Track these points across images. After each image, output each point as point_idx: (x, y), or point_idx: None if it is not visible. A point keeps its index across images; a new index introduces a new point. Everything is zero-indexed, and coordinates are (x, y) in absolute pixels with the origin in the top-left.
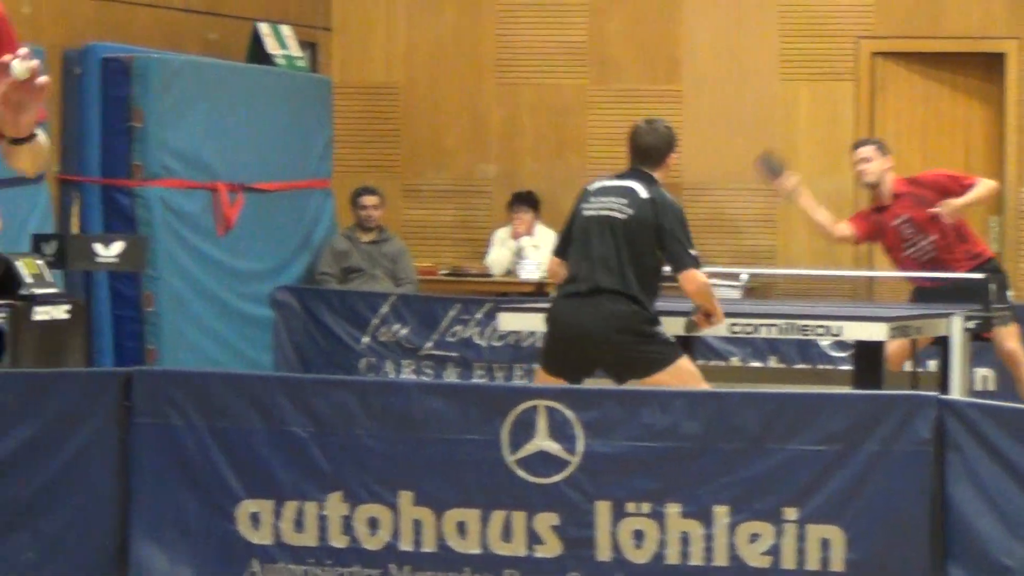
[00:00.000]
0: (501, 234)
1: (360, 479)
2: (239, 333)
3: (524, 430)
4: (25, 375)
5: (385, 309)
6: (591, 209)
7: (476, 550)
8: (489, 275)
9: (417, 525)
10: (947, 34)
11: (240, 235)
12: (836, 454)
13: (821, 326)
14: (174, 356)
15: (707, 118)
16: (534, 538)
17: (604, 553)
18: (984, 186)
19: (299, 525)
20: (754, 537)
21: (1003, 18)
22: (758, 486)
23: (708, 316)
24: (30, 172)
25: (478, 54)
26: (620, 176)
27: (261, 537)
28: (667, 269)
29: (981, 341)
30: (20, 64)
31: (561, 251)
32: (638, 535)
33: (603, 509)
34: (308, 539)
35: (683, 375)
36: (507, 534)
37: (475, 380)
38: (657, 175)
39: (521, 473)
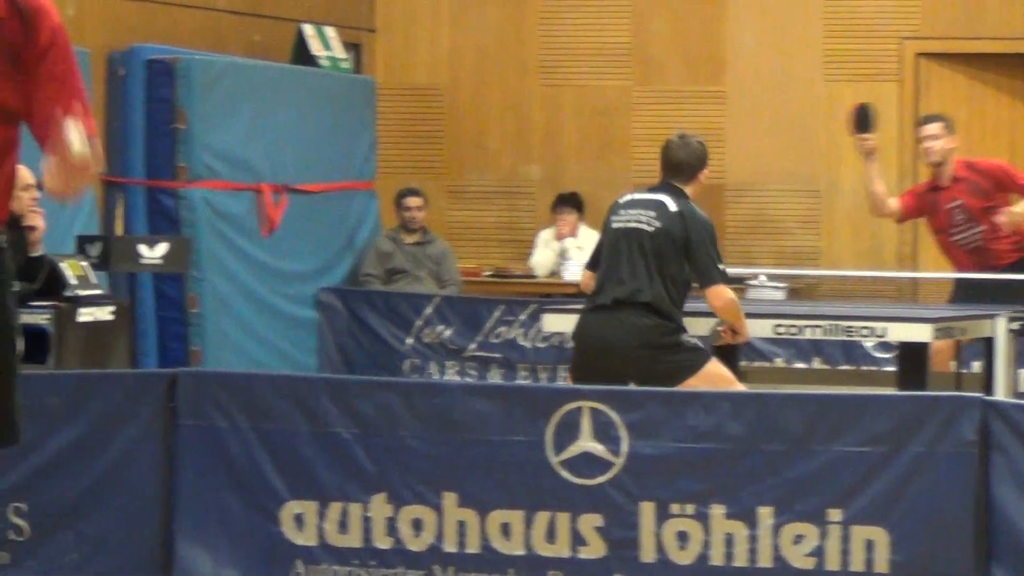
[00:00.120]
0: (545, 235)
1: (404, 480)
2: (283, 334)
3: (568, 431)
4: (70, 376)
5: (429, 310)
6: (620, 222)
7: (520, 551)
8: (533, 276)
9: (461, 526)
10: (991, 35)
11: (284, 236)
12: (880, 455)
13: (865, 327)
14: (218, 357)
15: (751, 119)
16: (578, 539)
17: (648, 554)
18: None
19: (343, 526)
20: (798, 538)
21: None
22: (802, 487)
23: (734, 332)
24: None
25: (522, 55)
26: (651, 190)
27: (305, 538)
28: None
29: None
30: (77, 145)
31: (593, 264)
32: (682, 536)
33: (647, 510)
34: (352, 540)
35: (713, 379)
36: (551, 535)
37: (519, 381)
38: (688, 190)
39: (565, 474)
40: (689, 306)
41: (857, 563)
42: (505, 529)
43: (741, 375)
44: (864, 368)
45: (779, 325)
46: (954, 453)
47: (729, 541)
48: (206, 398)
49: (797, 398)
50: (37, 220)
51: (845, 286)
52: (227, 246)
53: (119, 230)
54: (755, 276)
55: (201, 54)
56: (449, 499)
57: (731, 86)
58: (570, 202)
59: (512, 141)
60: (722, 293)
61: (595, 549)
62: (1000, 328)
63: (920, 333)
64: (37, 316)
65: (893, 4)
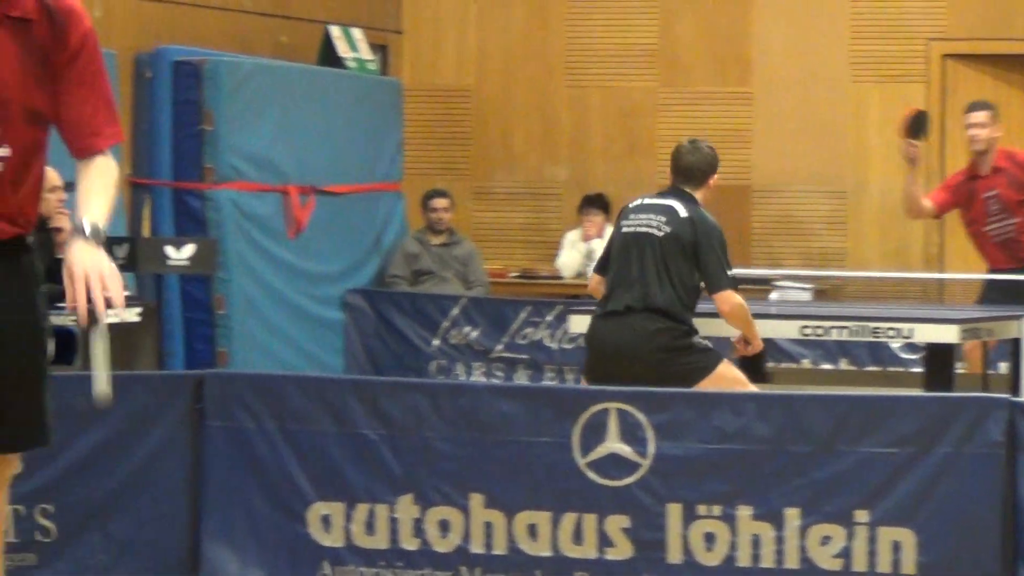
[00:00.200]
0: (572, 236)
1: (431, 481)
2: (310, 336)
3: (595, 433)
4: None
5: (456, 312)
6: (630, 226)
7: (547, 552)
8: (560, 277)
9: (488, 527)
10: (1018, 36)
11: (311, 238)
12: (907, 457)
13: (892, 328)
14: (245, 359)
15: (777, 120)
16: (605, 540)
17: (675, 555)
18: None
19: (370, 527)
20: (825, 540)
21: None
22: (829, 488)
23: (747, 342)
24: None
25: (548, 57)
26: (661, 194)
27: (332, 539)
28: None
29: None
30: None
31: (602, 268)
32: (709, 537)
33: (674, 511)
34: (379, 542)
35: (726, 381)
36: (578, 536)
37: (546, 383)
38: (698, 195)
39: (592, 475)
40: (703, 307)
41: (884, 564)
42: (532, 530)
43: (768, 376)
44: (891, 369)
45: (806, 326)
46: (981, 454)
47: (756, 542)
48: (233, 399)
49: (824, 399)
50: (64, 222)
51: (871, 287)
52: (254, 247)
53: (146, 232)
54: (781, 277)
55: (228, 55)
56: (476, 500)
57: (758, 87)
58: (596, 203)
59: (538, 142)
60: (730, 298)
61: (622, 550)
62: None
63: (947, 334)
64: (64, 318)
65: (920, 5)
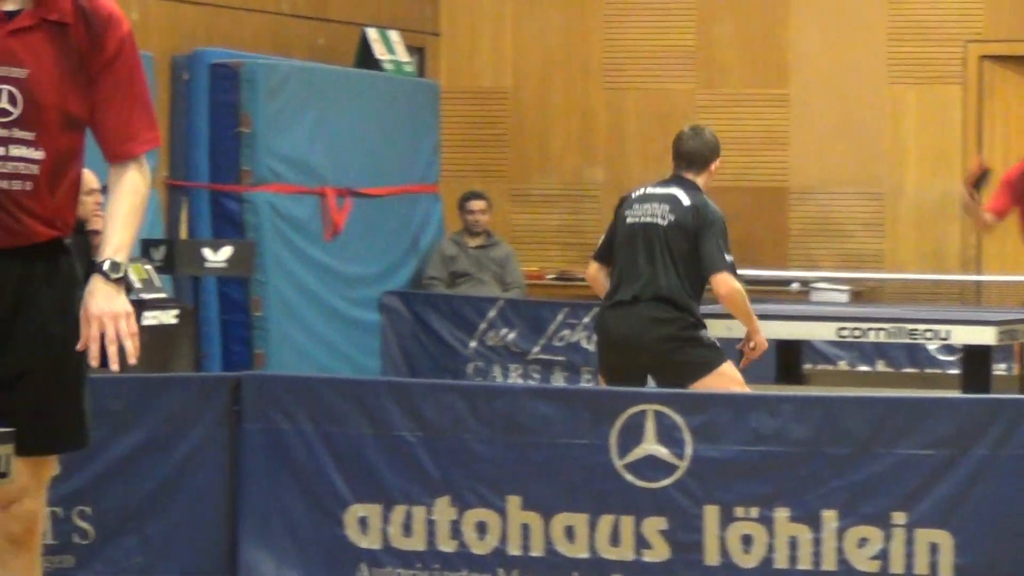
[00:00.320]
0: None
1: (468, 483)
2: (347, 337)
3: (632, 434)
4: (134, 380)
5: (493, 313)
6: (634, 216)
7: (584, 554)
8: None
9: (525, 529)
10: None
11: (348, 240)
12: (944, 458)
13: (929, 330)
14: (281, 361)
15: (814, 122)
16: (642, 542)
17: (712, 557)
18: None
19: (407, 529)
20: (862, 542)
21: None
22: (866, 490)
23: (749, 342)
24: None
25: (585, 58)
26: (663, 183)
27: (369, 541)
28: None
29: None
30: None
31: (601, 256)
32: (746, 539)
33: (711, 513)
34: (416, 543)
35: (727, 381)
36: (615, 538)
37: (583, 384)
38: (700, 181)
39: (629, 477)
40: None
41: (921, 566)
42: (569, 532)
43: (805, 378)
44: (928, 371)
45: (843, 328)
46: (1018, 456)
47: (793, 544)
48: (270, 401)
49: (861, 401)
50: (101, 224)
51: (908, 289)
52: (291, 250)
53: (183, 234)
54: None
55: (265, 58)
56: (513, 502)
57: (795, 89)
58: None
59: (576, 144)
60: (728, 280)
61: (659, 552)
62: None
63: (984, 336)
64: None
65: (957, 7)
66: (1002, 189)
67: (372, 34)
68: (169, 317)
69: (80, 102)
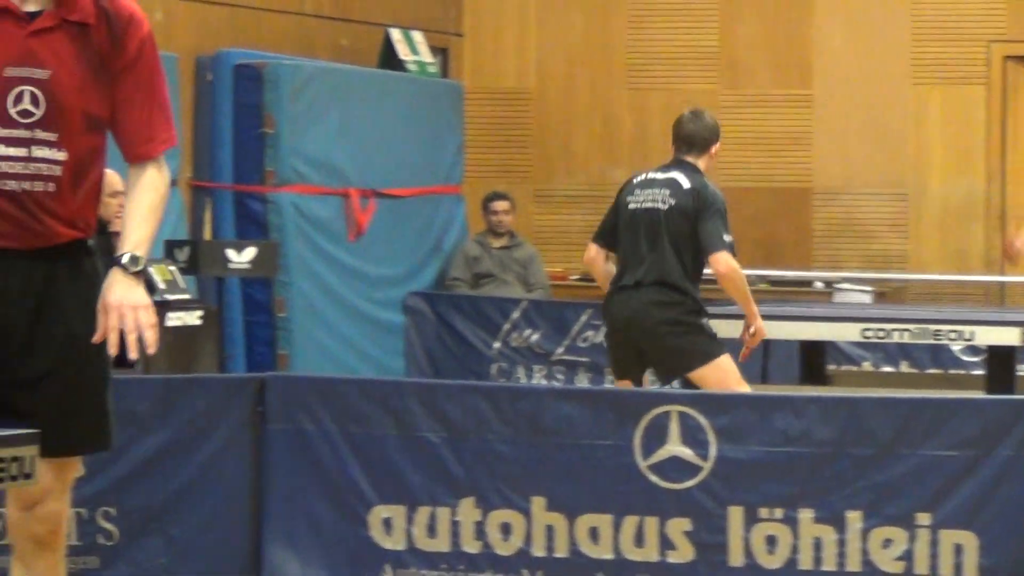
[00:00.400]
0: None
1: (493, 484)
2: (371, 338)
3: (656, 435)
4: (159, 381)
5: (516, 314)
6: (635, 202)
7: (608, 555)
8: None
9: (549, 530)
10: None
11: (372, 241)
12: (969, 459)
13: (954, 331)
14: (305, 362)
15: (838, 123)
16: (666, 543)
17: (736, 559)
18: None
19: (432, 531)
20: (887, 543)
21: None
22: (891, 491)
23: (749, 328)
24: None
25: (609, 59)
26: (663, 168)
27: (394, 542)
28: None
29: None
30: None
31: (600, 239)
32: (770, 540)
33: (735, 514)
34: (441, 545)
35: (725, 372)
36: (639, 539)
37: (607, 385)
38: (701, 164)
39: (654, 478)
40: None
41: (946, 567)
42: (593, 533)
43: (829, 379)
44: (952, 372)
45: (867, 329)
46: None
47: (818, 545)
48: (295, 402)
49: (886, 402)
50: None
51: (932, 289)
52: (315, 250)
53: (207, 235)
54: (842, 280)
55: (289, 58)
56: (537, 503)
57: (818, 90)
58: None
59: (599, 145)
60: (726, 259)
61: (683, 553)
62: None
63: (1008, 336)
64: None
65: (980, 7)
66: None
67: (396, 35)
68: (193, 318)
69: (102, 103)
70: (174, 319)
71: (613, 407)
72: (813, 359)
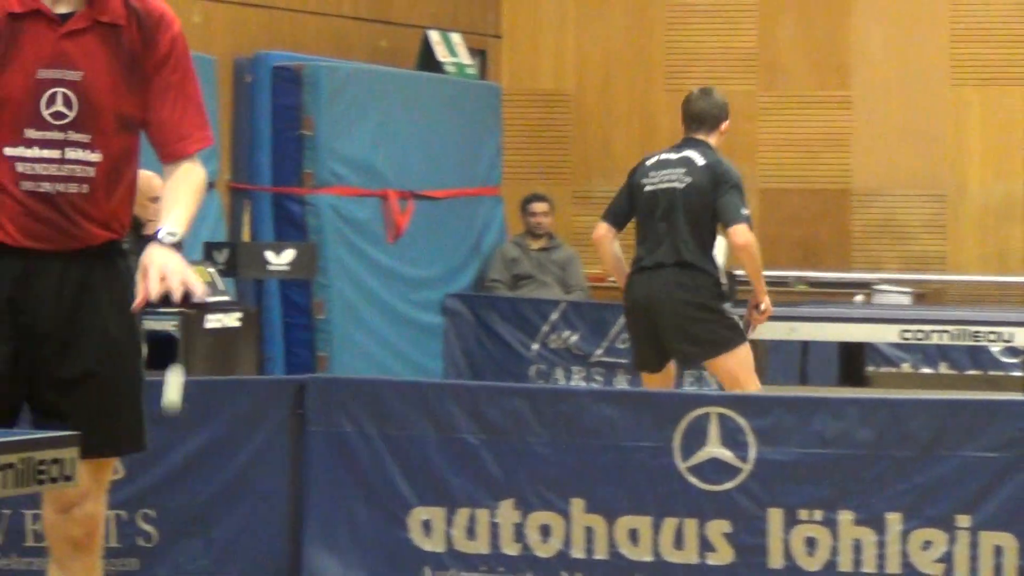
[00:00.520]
0: None
1: (532, 486)
2: (409, 340)
3: (696, 437)
4: (198, 383)
5: (555, 316)
6: (651, 183)
7: (648, 557)
8: None
9: (589, 532)
10: None
11: (410, 242)
12: (1009, 461)
13: (993, 332)
14: (344, 363)
15: (877, 124)
16: (706, 545)
17: (776, 560)
18: None
19: (471, 532)
20: (927, 545)
21: None
22: (930, 493)
23: (757, 306)
24: None
25: (647, 60)
26: (676, 147)
27: (433, 544)
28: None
29: None
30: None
31: (610, 217)
32: (810, 542)
33: (775, 516)
34: (480, 546)
35: (740, 364)
36: (679, 541)
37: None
38: (712, 141)
39: (693, 480)
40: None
41: (986, 569)
42: (633, 535)
43: (868, 380)
44: (991, 373)
45: (906, 330)
46: None
47: (857, 547)
48: (334, 404)
49: (925, 403)
50: None
51: (971, 291)
52: (353, 252)
53: (246, 237)
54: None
55: (327, 60)
56: (577, 505)
57: (857, 91)
58: None
59: (638, 146)
60: (744, 231)
61: (723, 555)
62: None
63: None
64: (164, 323)
65: (1019, 8)
66: None
67: (434, 36)
68: (232, 320)
69: (134, 103)
70: (213, 321)
71: (652, 409)
72: (852, 360)
